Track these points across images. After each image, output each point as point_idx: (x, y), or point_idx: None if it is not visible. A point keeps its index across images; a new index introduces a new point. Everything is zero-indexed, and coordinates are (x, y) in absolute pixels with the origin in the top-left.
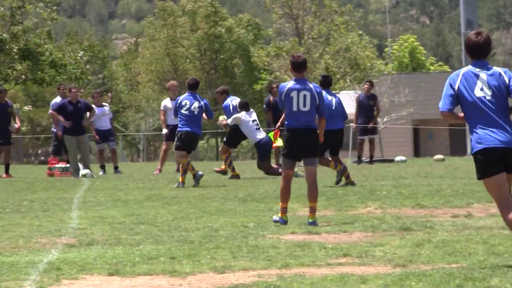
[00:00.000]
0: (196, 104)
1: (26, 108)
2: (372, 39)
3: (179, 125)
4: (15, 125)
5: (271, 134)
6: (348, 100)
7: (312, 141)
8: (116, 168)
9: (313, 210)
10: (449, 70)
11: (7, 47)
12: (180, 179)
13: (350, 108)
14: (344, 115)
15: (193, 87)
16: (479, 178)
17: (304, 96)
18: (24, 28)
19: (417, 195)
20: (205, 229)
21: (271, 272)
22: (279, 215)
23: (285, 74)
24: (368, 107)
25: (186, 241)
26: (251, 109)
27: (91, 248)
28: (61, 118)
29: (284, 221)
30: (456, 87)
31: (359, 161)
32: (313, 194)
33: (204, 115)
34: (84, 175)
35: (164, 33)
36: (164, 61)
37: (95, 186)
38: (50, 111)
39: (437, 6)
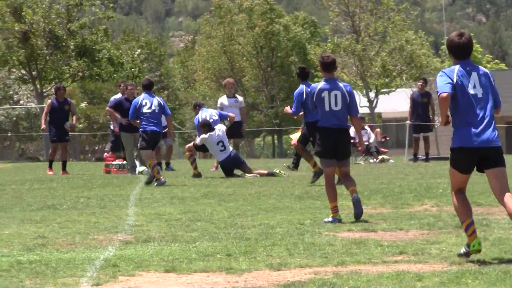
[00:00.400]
0: (155, 102)
1: (82, 105)
2: (428, 36)
3: (141, 125)
4: (68, 123)
5: (294, 136)
6: (405, 97)
7: (344, 140)
8: (168, 164)
9: (354, 191)
10: (505, 68)
11: (63, 44)
12: (157, 176)
13: (406, 105)
14: None
15: (147, 87)
16: (451, 166)
17: (335, 95)
18: (81, 24)
19: (473, 193)
20: (262, 226)
21: (327, 270)
22: (331, 215)
23: (341, 71)
24: (422, 105)
25: (243, 238)
26: (216, 121)
27: (147, 245)
28: (117, 115)
29: (338, 220)
30: (454, 81)
31: (415, 158)
32: (350, 182)
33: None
34: (140, 172)
35: (221, 31)
36: (221, 58)
37: (152, 183)
38: (107, 107)
39: (494, 4)
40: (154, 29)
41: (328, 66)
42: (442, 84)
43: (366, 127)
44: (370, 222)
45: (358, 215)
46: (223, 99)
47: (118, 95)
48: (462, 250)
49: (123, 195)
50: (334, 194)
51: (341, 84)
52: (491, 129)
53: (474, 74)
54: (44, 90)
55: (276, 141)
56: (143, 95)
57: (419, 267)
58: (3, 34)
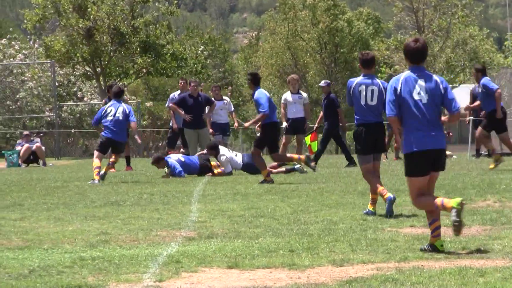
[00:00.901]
0: (120, 110)
1: (147, 104)
2: (491, 32)
3: (104, 132)
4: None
5: (307, 138)
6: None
7: (381, 135)
8: None
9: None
10: None
11: (127, 40)
12: (96, 178)
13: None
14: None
15: (117, 95)
16: (407, 175)
17: (372, 91)
18: (145, 21)
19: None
20: (324, 222)
21: (390, 265)
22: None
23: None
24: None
25: (305, 234)
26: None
27: (210, 241)
28: (181, 111)
29: (373, 213)
30: (398, 92)
31: (478, 154)
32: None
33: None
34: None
35: (285, 27)
36: (285, 54)
37: (215, 179)
38: (170, 104)
39: None
40: (218, 26)
41: (368, 62)
42: (387, 105)
43: None
44: None
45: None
46: (287, 95)
47: (177, 92)
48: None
49: (186, 191)
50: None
51: (378, 81)
52: (438, 132)
53: (421, 81)
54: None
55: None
56: (111, 102)
57: (482, 262)
58: (67, 31)
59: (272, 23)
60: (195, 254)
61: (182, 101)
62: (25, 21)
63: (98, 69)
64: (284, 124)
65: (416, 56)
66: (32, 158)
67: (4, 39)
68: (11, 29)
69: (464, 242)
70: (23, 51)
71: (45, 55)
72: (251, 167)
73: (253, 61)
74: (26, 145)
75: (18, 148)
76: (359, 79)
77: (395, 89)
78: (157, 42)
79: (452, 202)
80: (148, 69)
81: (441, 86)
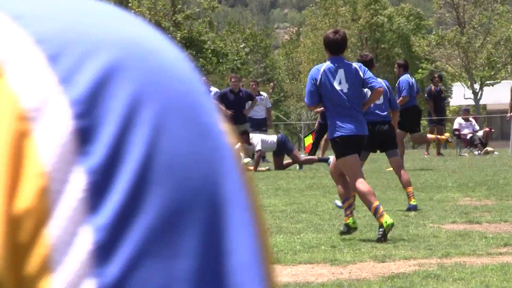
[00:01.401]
0: None
1: None
2: None
3: None
4: None
5: (309, 138)
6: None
7: (391, 132)
8: (263, 157)
9: (411, 194)
10: None
11: (169, 36)
12: None
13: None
14: None
15: None
16: (337, 158)
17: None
18: (186, 16)
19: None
20: (366, 218)
21: (432, 261)
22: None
23: (446, 63)
24: None
25: None
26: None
27: None
28: (222, 107)
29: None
30: (318, 82)
31: None
32: (406, 180)
33: None
34: (246, 164)
35: (326, 23)
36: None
37: (257, 175)
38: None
39: None
40: (259, 21)
41: (368, 64)
42: (307, 94)
43: (471, 119)
44: (475, 214)
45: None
46: None
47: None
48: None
49: None
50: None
51: (381, 80)
52: (359, 119)
53: (341, 71)
54: None
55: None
56: None
57: None
58: None
59: (313, 19)
60: None
61: (223, 97)
62: None
63: None
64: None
65: (335, 47)
66: None
67: None
68: None
69: (506, 239)
70: None
71: None
72: (284, 146)
73: (294, 56)
74: None
75: None
76: None
77: (315, 80)
78: (198, 38)
79: (385, 219)
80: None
81: (360, 73)
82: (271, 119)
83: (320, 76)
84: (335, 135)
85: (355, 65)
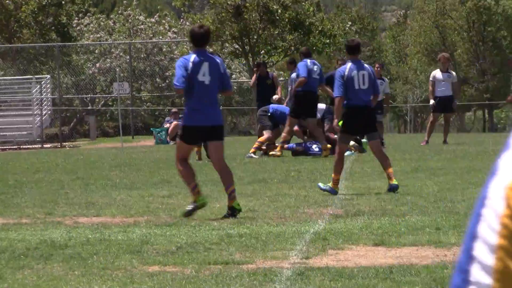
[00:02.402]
0: None
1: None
2: None
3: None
4: (275, 96)
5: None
6: None
7: (372, 117)
8: (380, 140)
9: (391, 175)
10: None
11: (277, 18)
12: None
13: None
14: None
15: None
16: (181, 140)
17: (363, 75)
18: None
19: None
20: (471, 200)
21: None
22: (330, 184)
23: None
24: None
25: (452, 212)
26: None
27: (357, 218)
28: (329, 90)
29: (335, 192)
30: (188, 71)
31: None
32: (385, 162)
33: None
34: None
35: (433, 5)
36: (433, 33)
37: (362, 157)
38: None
39: None
40: (367, 4)
41: (353, 49)
42: (176, 78)
43: None
44: None
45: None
46: (437, 73)
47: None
48: (189, 207)
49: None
50: (341, 168)
51: (367, 66)
52: (214, 110)
53: (205, 64)
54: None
55: (486, 115)
56: None
57: None
58: (215, 8)
59: (420, 2)
60: (341, 231)
61: (330, 80)
62: None
63: (247, 47)
64: (431, 102)
65: (198, 40)
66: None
67: (156, 16)
68: (159, 7)
69: None
70: (173, 29)
71: None
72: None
73: (401, 39)
74: (175, 122)
75: (166, 125)
76: (349, 65)
77: (185, 67)
78: (306, 19)
79: (200, 197)
80: (297, 46)
81: (221, 68)
82: (388, 104)
83: (190, 66)
84: (185, 123)
85: (218, 60)
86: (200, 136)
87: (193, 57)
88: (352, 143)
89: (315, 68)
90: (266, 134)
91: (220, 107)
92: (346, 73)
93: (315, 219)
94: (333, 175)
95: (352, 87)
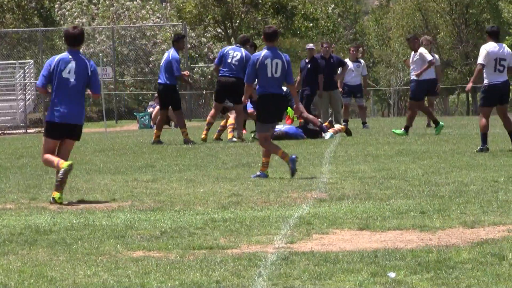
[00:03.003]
0: None
1: None
2: None
3: None
4: None
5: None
6: None
7: (283, 105)
8: (364, 123)
9: (265, 165)
10: None
11: (260, 1)
12: None
13: None
14: None
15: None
16: (44, 136)
17: (277, 63)
18: None
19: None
20: (455, 183)
21: None
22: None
23: None
24: None
25: (436, 195)
26: None
27: (341, 202)
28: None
29: (265, 175)
30: (51, 68)
31: None
32: (272, 152)
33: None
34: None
35: None
36: (415, 16)
37: (346, 141)
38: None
39: None
40: None
41: (270, 36)
42: (40, 77)
43: None
44: None
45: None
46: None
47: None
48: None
49: (317, 153)
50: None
51: (281, 54)
52: (76, 109)
53: (73, 63)
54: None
55: (470, 99)
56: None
57: None
58: None
59: None
60: (326, 215)
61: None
62: None
63: (230, 31)
64: None
65: (71, 41)
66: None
67: (138, 0)
68: None
69: None
70: (156, 14)
71: (177, 16)
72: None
73: (383, 22)
74: (158, 107)
75: (149, 110)
76: (264, 52)
77: (50, 65)
78: (289, 3)
79: (62, 164)
80: (280, 30)
81: (89, 70)
82: (367, 86)
83: (55, 63)
84: (47, 119)
85: (88, 62)
86: (59, 133)
87: (62, 55)
88: (338, 126)
89: (235, 54)
90: (232, 114)
91: (86, 106)
92: (260, 60)
93: (300, 203)
94: (262, 158)
95: (265, 75)
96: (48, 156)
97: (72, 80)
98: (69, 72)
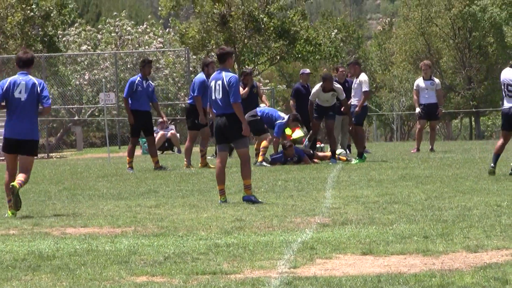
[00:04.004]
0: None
1: (280, 87)
2: None
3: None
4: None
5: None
6: None
7: (230, 126)
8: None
9: (247, 187)
10: None
11: (263, 26)
12: None
13: None
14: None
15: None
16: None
17: (218, 85)
18: (280, 6)
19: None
20: (458, 208)
21: None
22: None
23: None
24: None
25: (440, 220)
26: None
27: (345, 227)
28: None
29: (224, 201)
30: (4, 89)
31: None
32: (246, 172)
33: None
34: (338, 155)
35: (418, 13)
36: (418, 40)
37: (349, 166)
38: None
39: None
40: (352, 12)
41: (219, 57)
42: None
43: None
44: None
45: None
46: (420, 81)
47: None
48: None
49: (321, 177)
50: (223, 178)
51: (223, 74)
52: (29, 125)
53: (23, 83)
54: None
55: (473, 123)
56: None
57: None
58: (201, 17)
59: (406, 9)
60: (329, 240)
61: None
62: (160, 8)
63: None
64: (417, 110)
65: (21, 64)
66: (167, 145)
67: (143, 25)
68: (149, 16)
69: None
70: (159, 39)
71: (180, 42)
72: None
73: (386, 47)
74: (161, 132)
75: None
76: (213, 74)
77: (2, 87)
78: (292, 28)
79: (9, 210)
80: (282, 54)
81: (37, 88)
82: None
83: (7, 85)
84: (3, 135)
85: (35, 80)
86: (15, 148)
87: (14, 77)
88: (340, 151)
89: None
90: (266, 137)
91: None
92: (208, 82)
93: (303, 228)
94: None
95: (210, 96)
96: (5, 176)
97: (23, 99)
98: (20, 92)
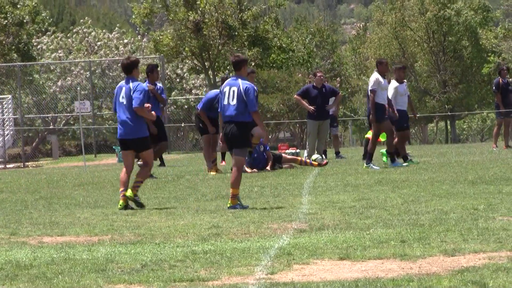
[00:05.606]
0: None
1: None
2: None
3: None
4: None
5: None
6: None
7: (235, 133)
8: (337, 153)
9: (234, 196)
10: None
11: (236, 34)
12: None
13: None
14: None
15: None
16: None
17: (233, 91)
18: (254, 14)
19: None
20: (435, 212)
21: (501, 254)
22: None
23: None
24: None
25: (416, 224)
26: None
27: (321, 232)
28: (305, 103)
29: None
30: (116, 95)
31: None
32: (236, 181)
33: None
34: (314, 160)
35: (392, 17)
36: (392, 44)
37: (325, 171)
38: (295, 96)
39: None
40: (326, 17)
41: (234, 65)
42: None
43: None
44: None
45: None
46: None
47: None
48: None
49: (297, 183)
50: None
51: (242, 82)
52: (127, 126)
53: (125, 88)
54: (217, 80)
55: (449, 127)
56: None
57: None
58: (175, 25)
59: (379, 13)
60: (306, 246)
61: (306, 92)
62: (133, 16)
63: (207, 63)
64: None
65: (125, 69)
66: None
67: (116, 33)
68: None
69: None
70: (132, 46)
71: (154, 49)
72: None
73: (361, 51)
74: None
75: None
76: (228, 80)
77: (116, 94)
78: (265, 35)
79: None
80: (256, 62)
81: (131, 92)
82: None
83: (116, 91)
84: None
85: (131, 84)
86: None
87: (120, 83)
88: (316, 156)
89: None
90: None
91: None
92: (221, 88)
93: (280, 234)
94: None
95: (222, 102)
96: None
97: (125, 103)
98: (123, 97)
